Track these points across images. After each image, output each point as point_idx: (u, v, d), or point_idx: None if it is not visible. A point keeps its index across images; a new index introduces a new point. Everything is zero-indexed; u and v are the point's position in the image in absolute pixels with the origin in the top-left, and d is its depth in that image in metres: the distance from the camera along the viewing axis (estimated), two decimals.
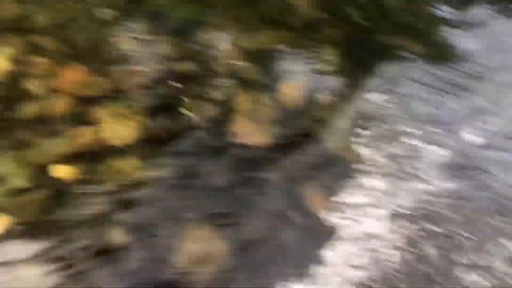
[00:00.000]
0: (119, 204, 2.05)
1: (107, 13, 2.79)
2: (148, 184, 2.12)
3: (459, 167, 2.29)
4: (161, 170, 2.17)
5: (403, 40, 2.89)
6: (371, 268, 1.94)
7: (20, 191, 2.03)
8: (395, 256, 1.98)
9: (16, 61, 2.46)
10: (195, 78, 2.54)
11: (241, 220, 2.07)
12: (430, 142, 2.36)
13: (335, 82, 2.64)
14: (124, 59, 2.57)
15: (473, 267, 1.94)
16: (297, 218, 2.09)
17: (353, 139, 2.38)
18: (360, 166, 2.28)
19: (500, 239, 2.04)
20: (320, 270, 1.94)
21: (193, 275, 1.89)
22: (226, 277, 1.90)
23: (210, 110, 2.41)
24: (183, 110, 2.39)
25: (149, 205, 2.07)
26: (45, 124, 2.24)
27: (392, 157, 2.31)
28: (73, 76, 2.44)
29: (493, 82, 2.68)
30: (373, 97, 2.58)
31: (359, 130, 2.42)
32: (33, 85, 2.37)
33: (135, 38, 2.68)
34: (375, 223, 2.08)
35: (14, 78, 2.39)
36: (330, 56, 2.75)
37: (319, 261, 1.96)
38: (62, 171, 2.10)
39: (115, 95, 2.40)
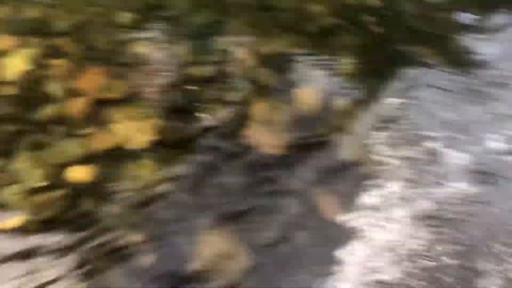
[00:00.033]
0: (134, 205, 2.05)
1: (126, 16, 2.82)
2: (164, 186, 2.11)
3: (481, 173, 2.25)
4: (176, 173, 2.16)
5: (420, 47, 2.87)
6: (389, 274, 1.90)
7: (37, 191, 2.04)
8: (413, 262, 1.94)
9: (36, 62, 2.49)
10: (212, 82, 2.55)
11: (257, 224, 2.05)
12: (450, 147, 2.33)
13: (351, 88, 2.62)
14: (141, 62, 2.59)
15: (493, 274, 1.90)
16: (312, 222, 2.07)
17: (370, 144, 2.36)
18: (378, 171, 2.25)
19: None
20: (336, 274, 1.91)
21: (209, 276, 1.87)
22: (241, 279, 1.88)
23: (226, 114, 2.41)
24: (199, 114, 2.39)
25: (164, 207, 2.06)
26: (62, 126, 2.26)
27: (412, 162, 2.29)
28: (91, 79, 2.47)
29: None
30: (391, 103, 2.56)
31: (376, 135, 2.39)
32: (52, 87, 2.40)
33: (153, 42, 2.70)
34: (393, 228, 2.05)
35: (34, 80, 2.42)
36: (346, 62, 2.74)
37: (335, 266, 1.93)
38: (79, 172, 2.11)
39: (132, 98, 2.42)
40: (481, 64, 2.80)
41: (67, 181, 2.08)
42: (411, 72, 2.74)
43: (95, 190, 2.07)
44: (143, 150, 2.22)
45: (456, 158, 2.30)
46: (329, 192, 2.18)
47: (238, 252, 1.96)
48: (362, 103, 2.56)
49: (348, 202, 2.14)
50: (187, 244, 1.96)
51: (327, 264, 1.94)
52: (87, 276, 1.83)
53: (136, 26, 2.79)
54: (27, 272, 1.82)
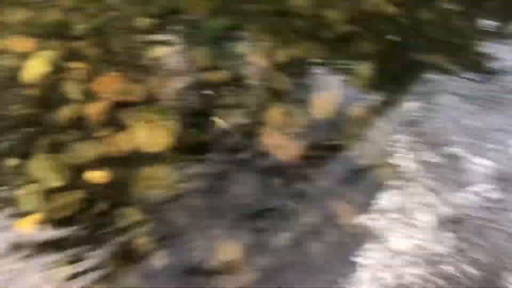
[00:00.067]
0: (150, 207, 2.05)
1: (144, 21, 2.85)
2: (179, 189, 2.11)
3: (503, 180, 2.21)
4: (191, 177, 2.16)
5: (439, 54, 2.85)
6: (407, 280, 1.87)
7: (53, 191, 2.05)
8: (433, 268, 1.91)
9: (55, 65, 2.52)
10: (228, 87, 2.55)
11: (272, 228, 2.03)
12: (472, 153, 2.29)
13: (368, 94, 2.61)
14: (159, 66, 2.61)
15: None
16: (329, 228, 2.05)
17: (388, 150, 2.34)
18: (397, 176, 2.22)
19: None
20: (352, 279, 1.88)
21: (223, 279, 1.86)
22: (255, 283, 1.87)
23: (242, 120, 2.41)
24: (215, 119, 2.39)
25: (180, 210, 2.05)
26: (80, 128, 2.28)
27: (432, 167, 2.25)
28: (109, 82, 2.49)
29: None
30: (409, 109, 2.54)
31: (395, 141, 2.37)
32: (70, 89, 2.42)
33: (171, 46, 2.72)
34: (412, 233, 2.02)
35: (53, 82, 2.45)
36: (363, 69, 2.73)
37: (351, 271, 1.91)
38: (95, 175, 2.12)
39: (149, 101, 2.43)
40: (502, 71, 2.76)
41: (84, 183, 2.09)
42: (430, 80, 2.71)
43: (111, 193, 2.07)
44: (159, 154, 2.23)
45: (478, 164, 2.26)
46: (346, 198, 2.16)
47: (253, 255, 1.94)
48: (379, 110, 2.54)
49: (365, 208, 2.12)
50: (202, 247, 1.95)
51: (343, 269, 1.92)
52: (103, 277, 1.83)
53: (154, 30, 2.82)
54: (42, 272, 1.83)
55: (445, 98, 2.60)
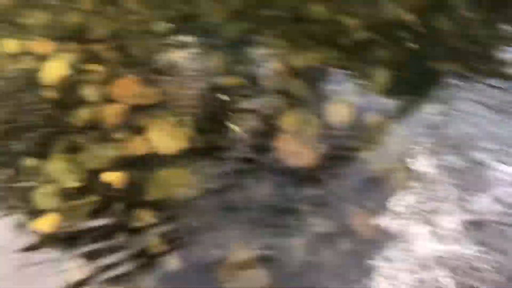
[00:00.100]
0: (164, 210, 2.05)
1: (161, 25, 2.87)
2: (193, 193, 2.11)
3: None
4: (206, 180, 2.16)
5: (459, 63, 2.82)
6: (427, 285, 1.84)
7: (70, 192, 2.06)
8: (454, 273, 1.87)
9: (74, 67, 2.55)
10: (243, 93, 2.55)
11: (285, 235, 2.02)
12: (494, 159, 2.26)
13: (385, 102, 2.59)
14: (175, 70, 2.62)
15: None
16: (344, 236, 2.03)
17: (405, 158, 2.31)
18: (414, 184, 2.20)
19: None
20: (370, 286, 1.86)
21: (235, 282, 1.85)
22: None
23: (256, 126, 2.41)
24: (229, 124, 2.39)
25: (193, 214, 2.05)
26: (97, 130, 2.30)
27: (453, 172, 2.22)
28: (126, 85, 2.51)
29: None
30: (428, 116, 2.51)
31: (412, 148, 2.34)
32: (88, 92, 2.45)
33: (187, 51, 2.74)
34: (432, 238, 1.99)
35: (72, 84, 2.48)
36: (380, 77, 2.71)
37: (369, 278, 1.88)
38: (111, 177, 2.13)
39: (165, 105, 2.44)
40: None
41: (99, 184, 2.10)
42: (449, 87, 2.68)
43: (127, 194, 2.08)
44: (174, 157, 2.23)
45: (500, 170, 2.23)
46: (362, 203, 2.14)
47: (266, 261, 1.93)
48: (396, 116, 2.52)
49: (381, 213, 2.09)
50: (217, 247, 1.95)
51: (361, 276, 1.89)
52: (117, 279, 1.83)
53: (171, 34, 2.84)
54: (58, 273, 1.84)
55: (465, 105, 2.57)
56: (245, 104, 2.50)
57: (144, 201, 2.07)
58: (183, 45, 2.78)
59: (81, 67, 2.56)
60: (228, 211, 2.08)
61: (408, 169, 2.26)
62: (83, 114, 2.35)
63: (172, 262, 1.89)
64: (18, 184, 2.08)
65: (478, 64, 2.84)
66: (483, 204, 2.11)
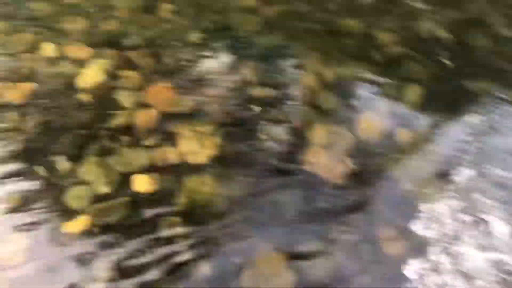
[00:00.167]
0: (192, 218, 2.05)
1: (195, 35, 2.91)
2: (221, 203, 2.11)
3: None
4: (234, 190, 2.16)
5: (494, 82, 2.77)
6: None
7: (101, 196, 2.09)
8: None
9: (108, 73, 2.60)
10: (274, 104, 2.55)
11: (311, 251, 2.00)
12: None
13: (416, 118, 2.55)
14: (207, 80, 2.65)
15: None
16: (371, 254, 1.99)
17: (433, 179, 2.27)
18: (442, 205, 2.15)
19: None
20: None
21: None
22: None
23: (286, 137, 2.40)
24: (259, 134, 2.39)
25: (220, 223, 2.05)
26: (129, 135, 2.32)
27: (493, 186, 2.17)
28: (159, 92, 2.54)
29: None
30: (459, 135, 2.46)
31: (443, 170, 2.30)
32: (122, 97, 2.49)
33: (219, 61, 2.76)
34: (459, 264, 1.93)
35: (106, 89, 2.52)
36: (412, 92, 2.68)
37: None
38: (142, 182, 2.14)
39: (196, 113, 2.46)
40: None
41: (130, 189, 2.12)
42: (483, 107, 2.63)
43: (156, 201, 2.09)
44: (203, 165, 2.24)
45: None
46: (390, 224, 2.10)
47: (293, 268, 1.90)
48: (427, 133, 2.48)
49: (409, 235, 2.05)
50: (240, 262, 1.93)
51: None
52: (145, 284, 1.84)
53: (204, 44, 2.87)
54: (85, 277, 1.85)
55: (498, 126, 2.51)
56: (275, 115, 2.50)
57: (173, 208, 2.08)
58: (216, 55, 2.80)
59: (116, 73, 2.61)
60: (255, 220, 2.07)
61: (443, 183, 2.21)
62: (116, 119, 2.38)
63: (201, 270, 1.88)
64: (52, 185, 2.12)
65: None
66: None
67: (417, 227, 2.09)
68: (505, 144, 2.42)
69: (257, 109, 2.51)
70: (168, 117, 2.43)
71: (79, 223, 1.99)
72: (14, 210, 2.03)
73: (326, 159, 2.32)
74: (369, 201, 2.18)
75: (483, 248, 1.98)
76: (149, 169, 2.20)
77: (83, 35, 2.84)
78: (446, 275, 1.91)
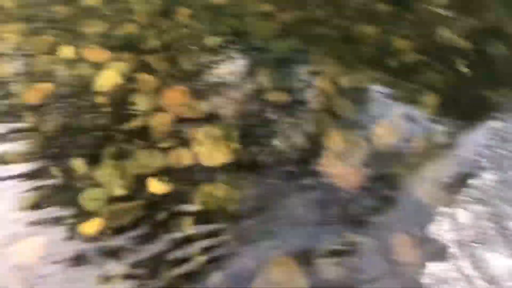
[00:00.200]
0: (204, 223, 2.05)
1: (212, 40, 2.92)
2: (234, 207, 2.11)
3: None
4: (247, 196, 2.15)
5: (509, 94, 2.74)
6: None
7: (116, 198, 2.10)
8: None
9: (126, 76, 2.62)
10: (289, 110, 2.55)
11: (324, 259, 1.98)
12: None
13: (432, 127, 2.53)
14: (222, 85, 2.65)
15: None
16: (387, 265, 1.97)
17: (451, 185, 2.24)
18: (461, 211, 2.12)
19: None
20: None
21: None
22: None
23: (301, 143, 2.39)
24: (274, 140, 2.39)
25: (233, 228, 2.04)
26: (145, 138, 2.34)
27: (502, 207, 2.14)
28: (175, 96, 2.55)
29: None
30: (478, 145, 2.43)
31: (462, 176, 2.27)
32: (138, 100, 2.50)
33: (235, 66, 2.77)
34: (486, 270, 1.90)
35: (123, 92, 2.54)
36: (428, 100, 2.65)
37: None
38: (156, 185, 2.15)
39: (211, 118, 2.47)
40: None
41: (144, 192, 2.13)
42: (503, 114, 2.60)
43: (170, 204, 2.10)
44: (218, 169, 2.24)
45: None
46: (405, 230, 2.07)
47: (306, 277, 1.89)
48: (443, 144, 2.46)
49: (426, 242, 2.02)
50: (253, 267, 1.92)
51: None
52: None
53: (220, 49, 2.88)
54: (100, 278, 1.86)
55: None
56: (291, 120, 2.49)
57: (187, 210, 2.08)
58: (232, 60, 2.81)
59: (132, 76, 2.63)
60: (268, 227, 2.06)
61: (462, 190, 2.19)
62: (132, 122, 2.40)
63: (214, 274, 1.88)
64: (68, 186, 2.14)
65: None
66: None
67: (435, 234, 2.06)
68: None
69: (272, 114, 2.51)
70: (183, 120, 2.44)
71: (94, 225, 2.00)
72: (30, 209, 2.05)
73: (341, 165, 2.31)
74: (385, 208, 2.16)
75: (505, 254, 1.95)
76: (164, 172, 2.21)
77: (102, 38, 2.88)
78: (467, 282, 1.88)
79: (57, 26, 2.96)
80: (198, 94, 2.58)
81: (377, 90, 2.71)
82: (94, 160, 2.22)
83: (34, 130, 2.35)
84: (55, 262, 1.90)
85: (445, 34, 3.08)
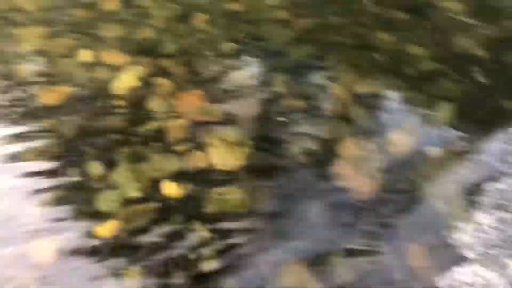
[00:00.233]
0: (218, 227, 2.06)
1: (228, 45, 2.94)
2: (246, 213, 2.11)
3: None
4: (260, 201, 2.15)
5: None
6: None
7: (131, 200, 2.12)
8: None
9: (143, 80, 2.65)
10: (304, 116, 2.55)
11: (338, 266, 1.97)
12: None
13: (447, 137, 2.50)
14: (238, 90, 2.67)
15: None
16: (402, 274, 1.95)
17: (465, 200, 2.22)
18: (475, 230, 2.09)
19: None
20: None
21: None
22: None
23: (315, 149, 2.39)
24: (288, 146, 2.39)
25: (246, 234, 2.05)
26: (160, 141, 2.36)
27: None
28: (191, 100, 2.57)
29: None
30: (494, 155, 2.40)
31: (474, 192, 2.24)
32: (154, 104, 2.53)
33: (251, 72, 2.78)
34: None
35: (139, 96, 2.57)
36: (444, 109, 2.63)
37: None
38: (171, 188, 2.17)
39: (226, 123, 2.48)
40: None
41: (159, 194, 2.14)
42: None
43: (184, 207, 2.11)
44: (232, 174, 2.25)
45: None
46: (419, 239, 2.05)
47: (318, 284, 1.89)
48: (459, 153, 2.43)
49: (440, 250, 2.00)
50: (266, 273, 1.92)
51: None
52: None
53: (236, 55, 2.90)
54: (113, 280, 1.88)
55: None
56: (305, 127, 2.49)
57: (200, 215, 2.09)
58: (248, 66, 2.82)
59: (149, 80, 2.66)
60: (282, 233, 2.06)
61: (478, 198, 2.16)
62: (148, 125, 2.42)
63: (226, 281, 1.88)
64: (84, 187, 2.16)
65: None
66: None
67: (454, 240, 2.04)
68: None
69: (286, 120, 2.52)
70: (199, 125, 2.46)
71: (109, 226, 2.02)
72: (46, 209, 2.08)
73: (355, 173, 2.30)
74: (400, 215, 2.14)
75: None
76: (179, 176, 2.22)
77: (120, 42, 2.92)
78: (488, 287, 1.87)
79: (77, 30, 3.01)
80: (214, 98, 2.60)
81: (393, 97, 2.70)
82: (110, 162, 2.25)
83: (52, 131, 2.39)
84: (71, 260, 1.92)
85: (462, 42, 3.05)
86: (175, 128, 2.42)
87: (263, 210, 2.13)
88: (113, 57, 2.79)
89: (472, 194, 2.23)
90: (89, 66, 2.75)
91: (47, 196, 2.12)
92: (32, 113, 2.48)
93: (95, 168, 2.22)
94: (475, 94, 2.75)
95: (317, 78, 2.77)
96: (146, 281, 1.87)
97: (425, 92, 2.75)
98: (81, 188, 2.16)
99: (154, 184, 2.18)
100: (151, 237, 2.01)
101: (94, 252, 1.95)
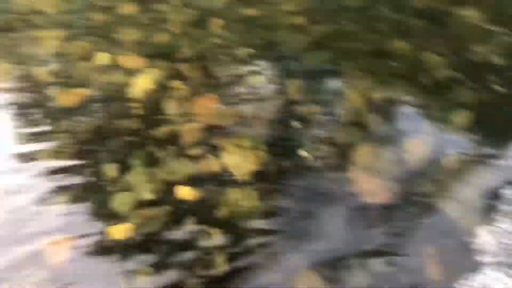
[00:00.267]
0: (230, 232, 2.05)
1: (243, 50, 2.95)
2: (259, 218, 2.10)
3: None
4: (274, 207, 2.15)
5: None
6: None
7: (145, 203, 2.12)
8: None
9: (158, 83, 2.67)
10: (318, 122, 2.54)
11: (352, 273, 1.95)
12: None
13: (463, 146, 2.47)
14: (252, 95, 2.67)
15: None
16: (412, 278, 1.92)
17: (483, 205, 2.18)
18: (493, 235, 2.06)
19: None
20: None
21: None
22: None
23: (329, 156, 2.38)
24: (302, 152, 2.38)
25: (259, 240, 2.04)
26: (175, 145, 2.37)
27: None
28: (205, 105, 2.58)
29: None
30: (509, 165, 2.37)
31: (492, 197, 2.21)
32: (170, 107, 2.54)
33: (266, 77, 2.78)
34: None
35: (155, 99, 2.59)
36: (461, 118, 2.60)
37: None
38: (185, 191, 2.17)
39: (240, 127, 2.48)
40: None
41: (173, 198, 2.15)
42: None
43: (198, 211, 2.11)
44: (245, 179, 2.24)
45: None
46: (436, 254, 2.03)
47: None
48: (475, 161, 2.40)
49: (459, 262, 1.97)
50: (278, 280, 1.91)
51: None
52: None
53: (251, 59, 2.91)
54: (124, 281, 1.88)
55: None
56: (319, 133, 2.49)
57: (214, 218, 2.09)
58: (262, 71, 2.83)
59: (165, 83, 2.68)
60: (295, 239, 2.05)
61: (495, 205, 2.13)
62: (163, 128, 2.43)
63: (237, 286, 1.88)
64: (99, 188, 2.18)
65: None
66: None
67: (468, 247, 2.01)
68: None
69: (301, 125, 2.51)
70: (213, 129, 2.46)
71: (122, 228, 2.03)
72: (61, 209, 2.10)
73: (369, 180, 2.28)
74: (416, 221, 2.12)
75: None
76: (192, 179, 2.23)
77: (136, 45, 2.94)
78: None
79: (94, 33, 3.05)
80: (229, 103, 2.60)
81: (408, 105, 2.68)
82: (124, 164, 2.26)
83: (68, 132, 2.41)
84: (85, 260, 1.93)
85: (480, 50, 3.03)
86: (190, 131, 2.43)
87: (276, 215, 2.12)
88: (130, 60, 2.82)
89: (490, 199, 2.20)
90: (106, 69, 2.78)
91: (63, 195, 2.14)
92: (49, 114, 2.51)
93: (110, 169, 2.24)
94: (492, 101, 2.72)
95: (333, 84, 2.77)
96: (159, 283, 1.87)
97: (442, 99, 2.72)
98: (96, 189, 2.17)
99: (168, 187, 2.19)
100: (165, 239, 2.01)
101: (108, 252, 1.96)
